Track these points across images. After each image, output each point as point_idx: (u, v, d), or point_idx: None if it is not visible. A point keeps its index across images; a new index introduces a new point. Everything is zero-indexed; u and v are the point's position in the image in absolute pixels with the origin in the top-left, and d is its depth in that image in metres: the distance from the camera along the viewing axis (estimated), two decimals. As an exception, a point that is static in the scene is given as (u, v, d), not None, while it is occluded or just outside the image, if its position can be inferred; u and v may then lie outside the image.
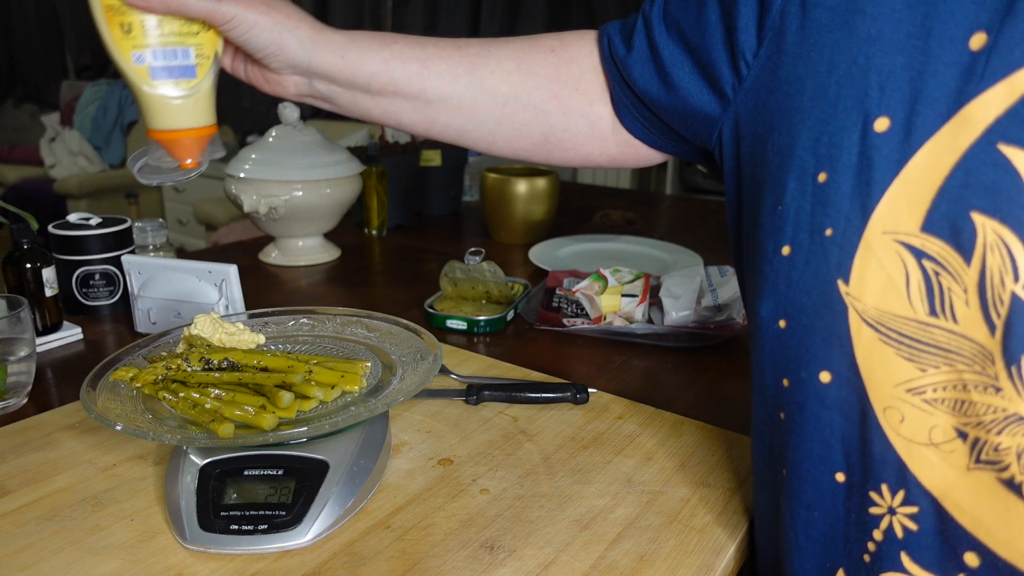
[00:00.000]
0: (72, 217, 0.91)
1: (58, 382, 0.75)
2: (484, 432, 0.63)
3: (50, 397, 0.71)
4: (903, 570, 0.38)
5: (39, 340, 0.81)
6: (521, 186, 1.26)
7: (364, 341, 0.65)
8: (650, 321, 0.88)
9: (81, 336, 0.85)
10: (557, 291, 0.95)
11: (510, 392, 0.68)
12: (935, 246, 0.35)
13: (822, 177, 0.38)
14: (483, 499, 0.54)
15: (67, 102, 4.64)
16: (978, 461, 0.35)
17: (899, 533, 0.38)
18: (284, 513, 0.48)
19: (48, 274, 0.82)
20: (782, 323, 0.41)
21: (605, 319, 0.87)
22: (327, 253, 1.19)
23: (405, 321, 0.66)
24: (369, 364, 0.59)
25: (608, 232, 1.35)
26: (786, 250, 0.40)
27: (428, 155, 1.46)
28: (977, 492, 0.35)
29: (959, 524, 0.36)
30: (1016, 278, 0.33)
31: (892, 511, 0.38)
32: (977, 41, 0.34)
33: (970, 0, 0.34)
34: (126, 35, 0.49)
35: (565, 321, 0.88)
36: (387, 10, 3.65)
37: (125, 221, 0.91)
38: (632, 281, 0.92)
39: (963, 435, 0.35)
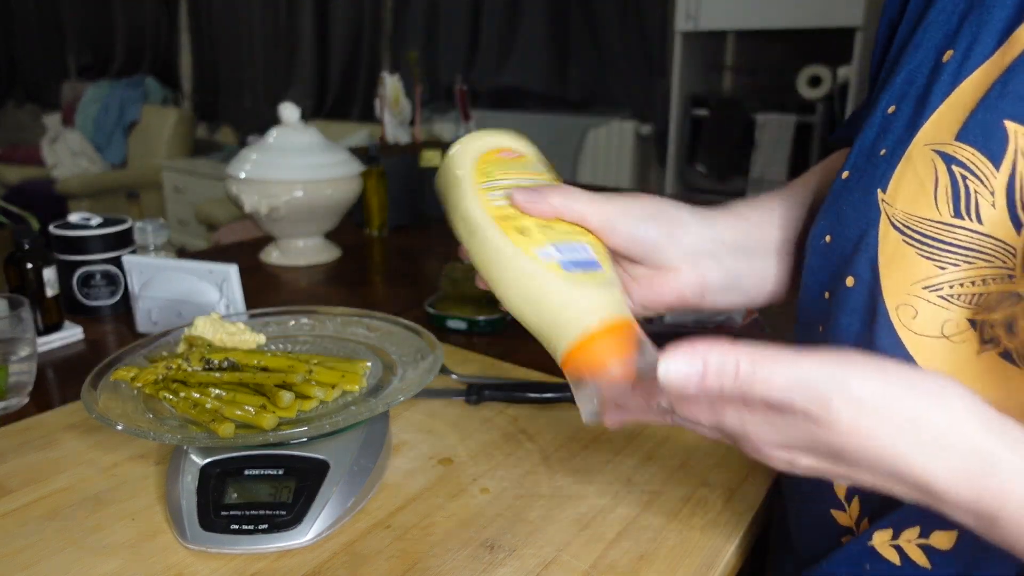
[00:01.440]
0: (73, 217, 0.91)
1: (59, 382, 0.75)
2: (484, 432, 0.63)
3: (51, 397, 0.71)
4: None
5: (40, 340, 0.81)
6: (521, 186, 1.26)
7: (364, 341, 0.65)
8: (650, 321, 0.88)
9: (82, 336, 0.85)
10: (557, 291, 0.95)
11: (510, 392, 0.68)
12: (966, 152, 0.37)
13: (891, 109, 0.42)
14: (483, 499, 0.54)
15: (68, 102, 4.64)
16: (983, 343, 0.36)
17: None
18: (284, 513, 0.48)
19: (49, 274, 0.82)
20: (828, 238, 0.43)
21: (605, 319, 0.87)
22: (327, 253, 1.19)
23: (405, 321, 0.66)
24: (369, 364, 0.60)
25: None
26: (845, 175, 0.43)
27: (428, 155, 1.46)
28: (985, 373, 0.36)
29: None
30: None
31: None
32: None
33: None
34: (523, 236, 0.45)
35: (565, 321, 0.88)
36: (387, 10, 3.65)
37: (126, 221, 0.91)
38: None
39: (974, 323, 0.37)
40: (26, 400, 0.69)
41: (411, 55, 1.50)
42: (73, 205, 3.92)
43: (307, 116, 3.78)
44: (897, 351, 0.38)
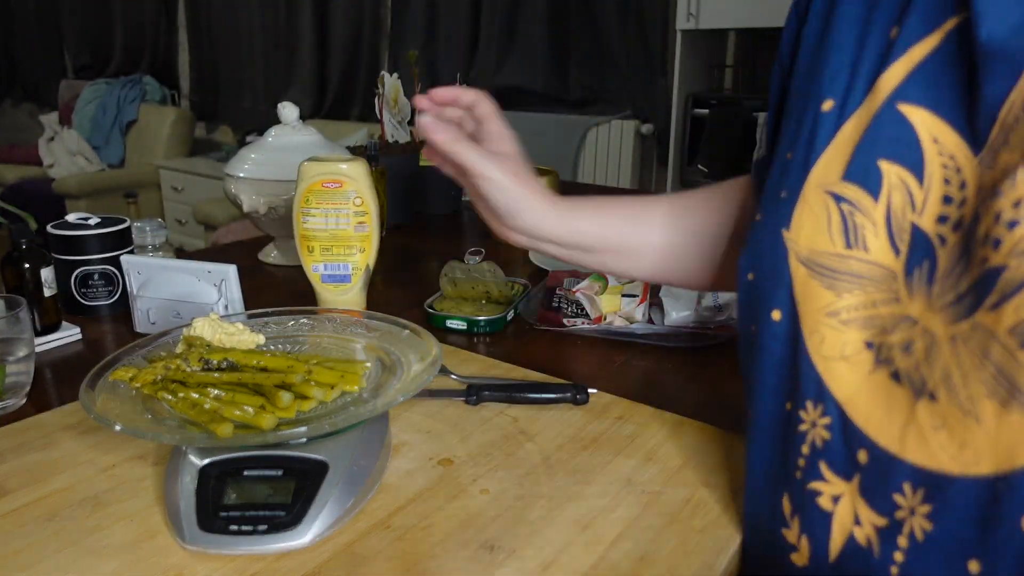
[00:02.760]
0: (71, 217, 0.91)
1: (57, 382, 0.75)
2: (484, 432, 0.63)
3: (49, 397, 0.71)
4: (823, 478, 0.43)
5: (38, 340, 0.81)
6: (521, 186, 1.26)
7: (364, 341, 0.65)
8: (650, 321, 0.88)
9: (80, 336, 0.85)
10: (557, 291, 0.95)
11: (510, 392, 0.67)
12: (850, 190, 0.42)
13: (789, 155, 0.46)
14: (483, 499, 0.53)
15: (66, 102, 4.64)
16: (877, 362, 0.40)
17: (819, 444, 0.43)
18: (284, 513, 0.48)
19: (47, 274, 0.82)
20: (750, 275, 0.48)
21: (605, 319, 0.87)
22: (327, 253, 1.18)
23: (405, 321, 0.65)
24: (369, 364, 0.59)
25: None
26: (758, 217, 0.48)
27: (428, 155, 1.45)
28: (874, 392, 0.40)
29: (856, 425, 0.41)
30: (914, 209, 0.40)
31: (814, 424, 0.43)
32: (894, 32, 0.42)
33: (893, 4, 0.43)
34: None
35: (565, 321, 0.88)
36: (387, 10, 3.65)
37: (124, 221, 0.91)
38: (632, 281, 0.92)
39: (870, 345, 0.41)
40: (24, 400, 0.69)
41: (411, 54, 1.49)
42: (71, 205, 3.92)
43: (306, 115, 3.78)
44: (811, 373, 0.43)
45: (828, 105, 0.44)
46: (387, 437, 0.58)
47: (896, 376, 0.39)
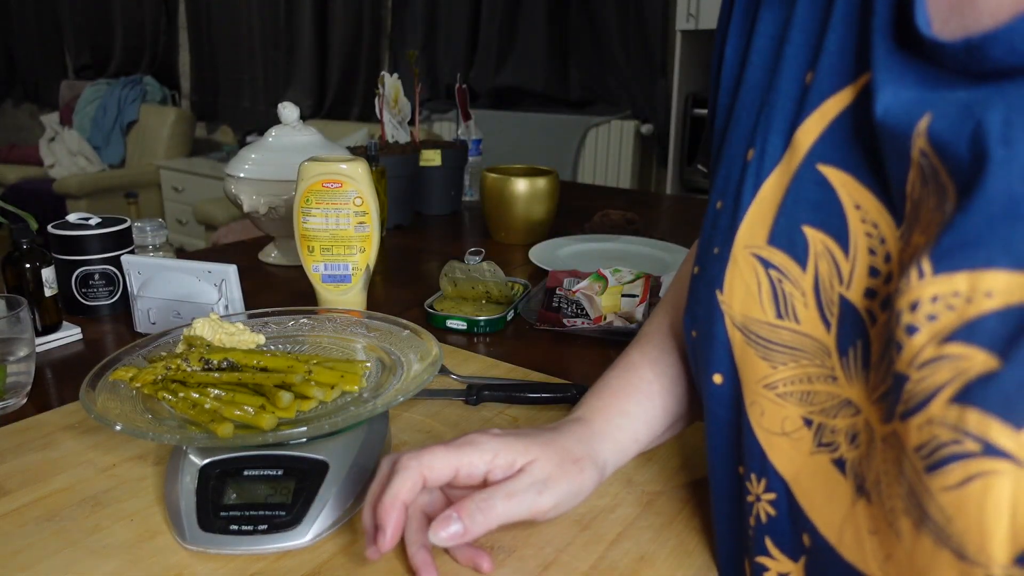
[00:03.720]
0: (71, 217, 0.91)
1: (57, 382, 0.75)
2: (484, 432, 0.63)
3: (49, 397, 0.71)
4: (768, 554, 0.41)
5: (38, 340, 0.81)
6: (521, 186, 1.26)
7: (364, 341, 0.65)
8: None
9: (80, 336, 0.85)
10: (557, 291, 0.95)
11: (510, 392, 0.67)
12: (778, 256, 0.39)
13: (718, 204, 0.44)
14: (483, 499, 0.53)
15: (66, 102, 4.64)
16: (819, 445, 0.38)
17: (763, 518, 0.41)
18: (284, 513, 0.48)
19: (47, 274, 0.82)
20: (694, 333, 0.45)
21: (605, 319, 0.87)
22: (327, 253, 1.18)
23: (405, 321, 0.65)
24: (369, 364, 0.59)
25: (608, 232, 1.35)
26: (696, 269, 0.45)
27: (428, 155, 1.46)
28: (815, 475, 0.38)
29: (800, 507, 0.39)
30: (841, 281, 0.37)
31: (758, 498, 0.41)
32: (809, 77, 0.39)
33: (806, 44, 0.39)
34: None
35: (565, 321, 0.88)
36: (387, 10, 3.65)
37: (124, 221, 0.91)
38: (632, 281, 0.92)
39: (809, 422, 0.38)
40: (24, 400, 0.69)
41: (411, 54, 1.49)
42: (71, 205, 3.92)
43: (306, 116, 3.78)
44: (755, 447, 0.41)
45: (750, 154, 0.41)
46: (387, 437, 0.58)
47: (840, 465, 0.36)
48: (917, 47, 0.33)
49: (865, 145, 0.36)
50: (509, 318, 0.91)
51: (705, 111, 2.69)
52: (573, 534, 0.50)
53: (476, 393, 0.67)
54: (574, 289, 0.93)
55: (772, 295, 0.39)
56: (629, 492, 0.55)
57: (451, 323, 0.88)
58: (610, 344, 0.85)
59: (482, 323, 0.87)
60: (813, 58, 0.39)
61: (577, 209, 1.54)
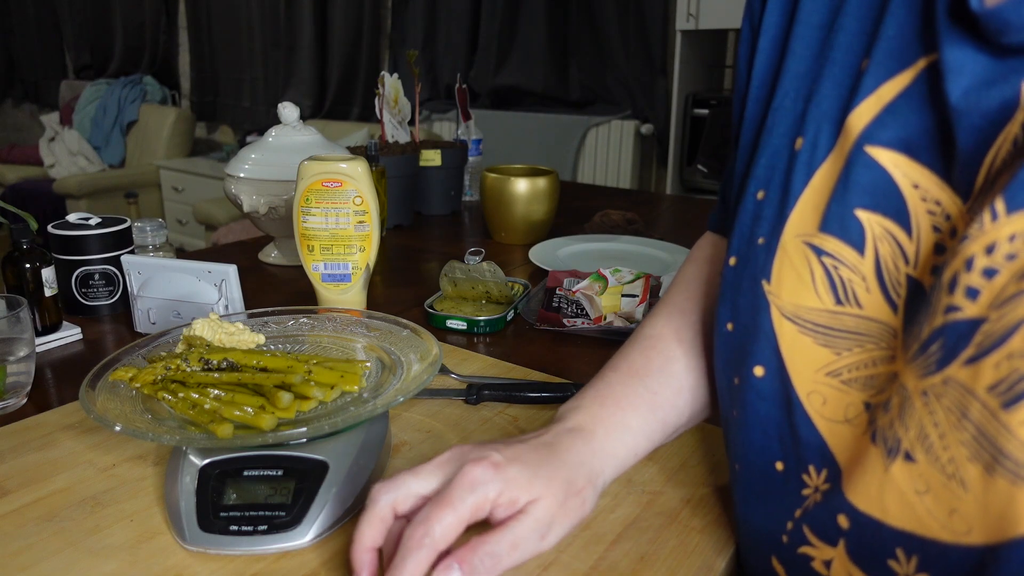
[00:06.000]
0: (71, 217, 0.91)
1: (57, 382, 0.75)
2: (484, 432, 0.63)
3: (49, 397, 0.71)
4: (809, 543, 0.41)
5: (38, 340, 0.81)
6: (521, 186, 1.26)
7: (364, 341, 0.65)
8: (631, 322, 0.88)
9: (80, 336, 0.85)
10: (557, 291, 0.95)
11: (510, 392, 0.67)
12: (831, 243, 0.39)
13: (760, 195, 0.43)
14: (483, 499, 0.53)
15: (66, 102, 4.64)
16: (868, 424, 0.38)
17: (811, 508, 0.41)
18: (284, 514, 0.48)
19: (47, 274, 0.82)
20: (729, 326, 0.45)
21: (605, 319, 0.87)
22: (327, 253, 1.18)
23: (405, 321, 0.65)
24: (369, 364, 0.59)
25: (608, 232, 1.35)
26: (732, 260, 0.45)
27: (428, 155, 1.46)
28: (860, 455, 0.37)
29: (841, 490, 0.38)
30: (907, 262, 0.37)
31: (816, 489, 0.40)
32: (864, 63, 0.39)
33: (861, 32, 0.40)
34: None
35: (565, 321, 0.88)
36: (387, 10, 3.65)
37: (124, 221, 0.91)
38: (632, 281, 0.92)
39: (868, 406, 0.38)
40: (24, 400, 0.69)
41: (410, 54, 1.49)
42: (71, 205, 3.92)
43: (306, 116, 3.78)
44: (814, 437, 0.40)
45: (799, 143, 0.41)
46: (387, 437, 0.58)
47: (872, 436, 0.37)
48: (974, 26, 0.33)
49: (923, 124, 0.36)
50: (509, 318, 0.91)
51: (705, 111, 2.69)
52: (573, 534, 0.50)
53: (476, 393, 0.67)
54: (574, 289, 0.93)
55: (828, 282, 0.39)
56: (629, 492, 0.55)
57: (451, 323, 0.88)
58: (610, 344, 0.85)
59: (482, 323, 0.87)
60: (869, 44, 0.39)
61: (577, 209, 1.54)
